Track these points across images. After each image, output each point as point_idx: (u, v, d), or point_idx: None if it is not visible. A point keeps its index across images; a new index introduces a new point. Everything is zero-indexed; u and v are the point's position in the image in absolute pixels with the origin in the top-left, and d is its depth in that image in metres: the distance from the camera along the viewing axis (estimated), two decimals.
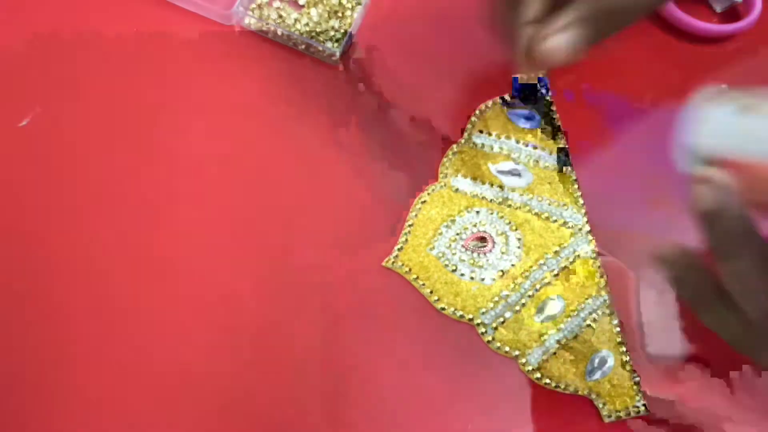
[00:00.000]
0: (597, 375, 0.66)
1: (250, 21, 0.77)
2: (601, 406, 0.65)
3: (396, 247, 0.70)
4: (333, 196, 0.72)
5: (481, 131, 0.74)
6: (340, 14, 0.78)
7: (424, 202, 0.72)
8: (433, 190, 0.72)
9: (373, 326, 0.68)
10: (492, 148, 0.74)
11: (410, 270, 0.69)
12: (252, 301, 0.68)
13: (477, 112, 0.75)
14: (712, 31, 0.77)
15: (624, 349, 0.67)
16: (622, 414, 0.65)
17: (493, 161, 0.73)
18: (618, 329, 0.68)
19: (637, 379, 0.66)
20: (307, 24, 0.77)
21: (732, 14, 0.80)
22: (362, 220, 0.71)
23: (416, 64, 0.77)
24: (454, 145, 0.74)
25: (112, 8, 0.79)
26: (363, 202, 0.72)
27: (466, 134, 0.74)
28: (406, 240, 0.70)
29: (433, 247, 0.70)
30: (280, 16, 0.77)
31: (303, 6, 0.78)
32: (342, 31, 0.77)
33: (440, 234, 0.71)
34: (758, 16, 0.77)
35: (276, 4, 0.79)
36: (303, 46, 0.77)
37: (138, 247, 0.70)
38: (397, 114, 0.75)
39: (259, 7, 0.78)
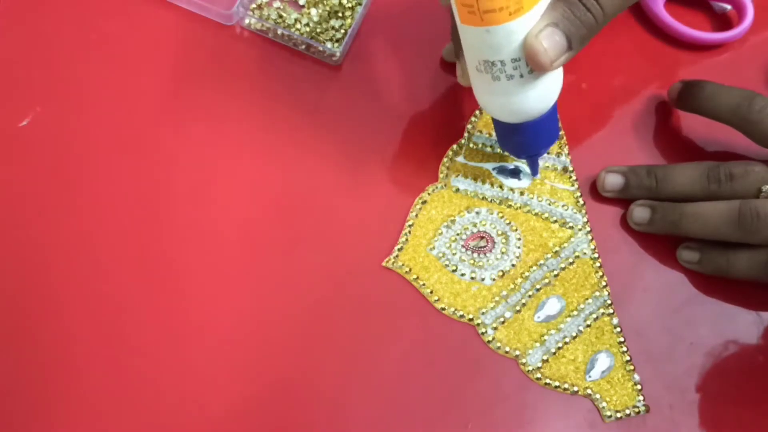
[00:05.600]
0: (597, 375, 0.66)
1: (251, 21, 0.78)
2: (601, 406, 0.65)
3: (396, 247, 0.70)
4: (333, 196, 0.72)
5: (481, 131, 0.74)
6: (340, 14, 0.78)
7: (425, 202, 0.72)
8: (433, 190, 0.72)
9: (373, 326, 0.68)
10: (492, 149, 0.74)
11: (410, 270, 0.69)
12: (251, 301, 0.69)
13: (477, 112, 0.75)
14: (705, 39, 0.77)
15: (624, 349, 0.67)
16: (622, 414, 0.65)
17: (494, 161, 0.73)
18: (618, 329, 0.68)
19: (637, 378, 0.66)
20: (307, 24, 0.77)
21: (725, 22, 0.80)
22: (362, 220, 0.71)
23: (416, 64, 0.77)
24: (455, 145, 0.74)
25: (112, 8, 0.79)
26: (363, 202, 0.72)
27: (466, 134, 0.74)
28: (406, 240, 0.70)
29: (433, 247, 0.70)
30: (281, 16, 0.78)
31: (303, 6, 0.79)
32: (342, 31, 0.77)
33: (440, 234, 0.71)
34: (750, 24, 0.77)
35: (276, 4, 0.79)
36: (303, 47, 0.77)
37: (138, 246, 0.70)
38: (398, 114, 0.75)
39: (260, 7, 0.78)
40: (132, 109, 0.75)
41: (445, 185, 0.72)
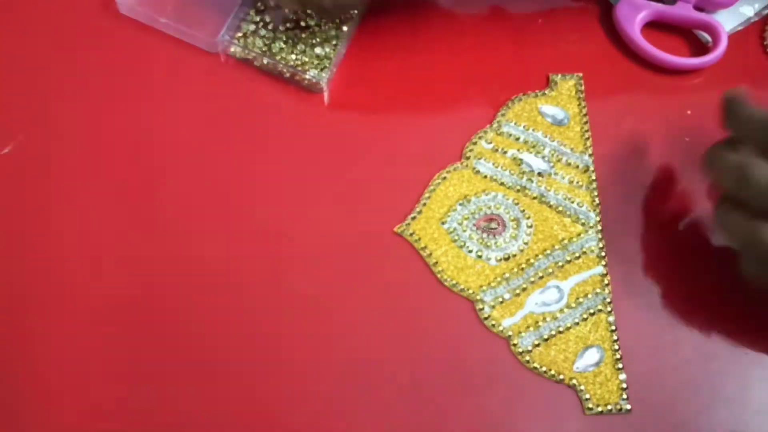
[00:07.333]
0: (585, 367, 0.67)
1: (236, 49, 0.79)
2: (584, 398, 0.66)
3: (410, 216, 0.73)
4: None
5: (510, 121, 0.78)
6: (325, 43, 0.80)
7: (444, 178, 0.74)
8: (454, 168, 0.75)
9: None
10: (518, 139, 0.77)
11: (420, 239, 0.72)
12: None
13: (507, 103, 0.79)
14: (681, 64, 0.81)
15: (616, 347, 0.68)
16: (603, 409, 0.66)
17: (518, 149, 0.76)
18: (613, 327, 0.69)
19: (624, 377, 0.67)
20: (292, 52, 0.79)
21: (700, 47, 0.83)
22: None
23: (402, 90, 0.80)
24: (481, 130, 0.77)
25: (97, 34, 0.81)
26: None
27: (495, 122, 0.77)
28: (421, 211, 0.73)
29: (445, 221, 0.72)
30: (266, 45, 0.79)
31: (288, 34, 0.80)
32: (327, 59, 0.79)
33: (454, 210, 0.73)
34: (722, 52, 0.80)
35: (261, 32, 0.80)
36: (288, 75, 0.79)
37: (125, 270, 0.71)
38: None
39: (245, 35, 0.80)
40: (115, 136, 0.76)
41: (467, 166, 0.75)
